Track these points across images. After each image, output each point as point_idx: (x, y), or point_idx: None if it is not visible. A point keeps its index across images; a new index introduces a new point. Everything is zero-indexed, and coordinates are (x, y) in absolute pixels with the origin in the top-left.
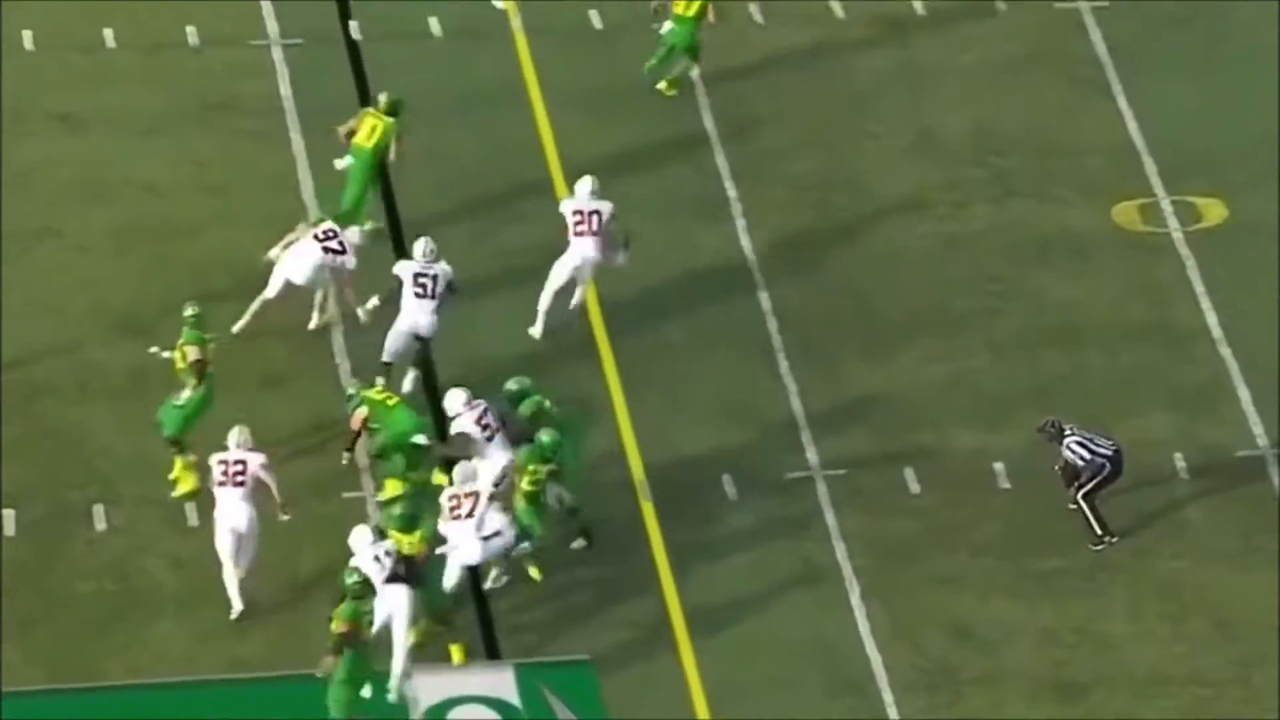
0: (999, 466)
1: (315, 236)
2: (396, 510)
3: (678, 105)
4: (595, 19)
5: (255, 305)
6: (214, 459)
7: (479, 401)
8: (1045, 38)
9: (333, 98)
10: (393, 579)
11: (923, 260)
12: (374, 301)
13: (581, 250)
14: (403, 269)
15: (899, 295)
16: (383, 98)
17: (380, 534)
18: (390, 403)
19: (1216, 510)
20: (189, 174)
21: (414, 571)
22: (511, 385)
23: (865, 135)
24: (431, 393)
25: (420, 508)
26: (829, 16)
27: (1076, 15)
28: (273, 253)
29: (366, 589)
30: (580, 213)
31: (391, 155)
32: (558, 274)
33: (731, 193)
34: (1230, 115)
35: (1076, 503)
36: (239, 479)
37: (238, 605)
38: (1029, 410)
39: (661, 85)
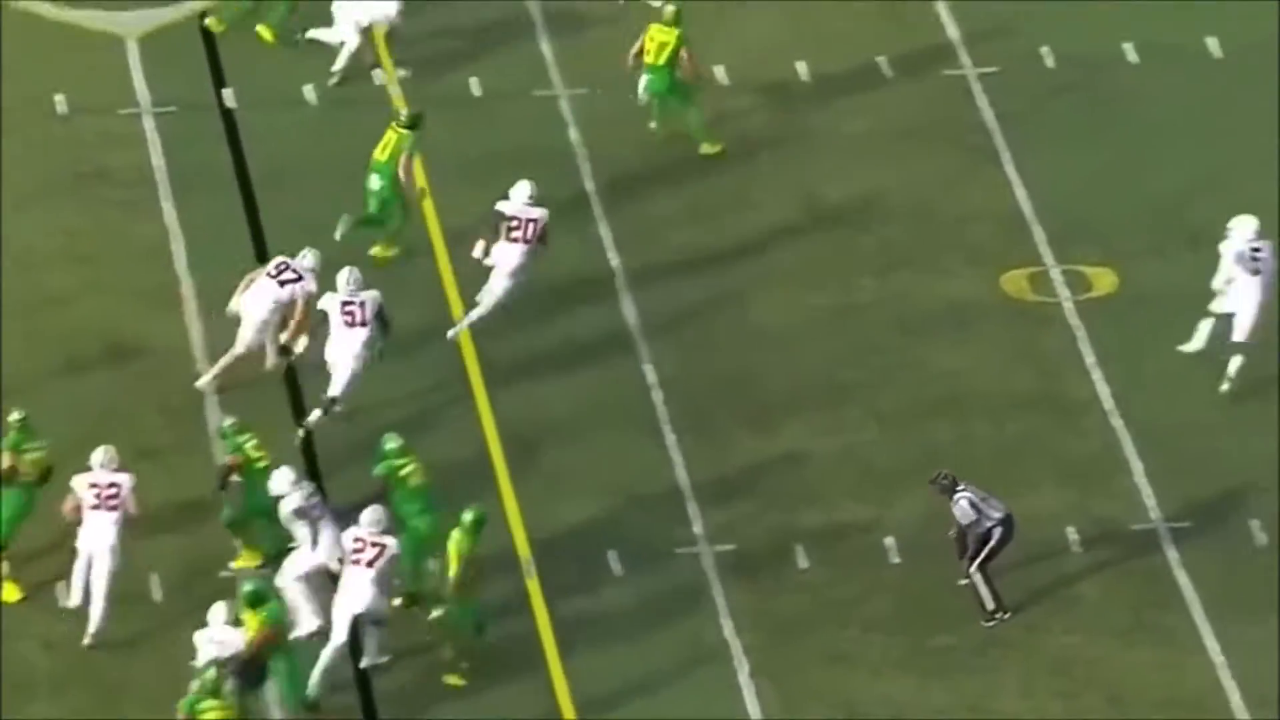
0: (889, 541)
1: (268, 274)
2: (247, 585)
3: (560, 173)
4: (474, 86)
5: (225, 361)
6: (82, 482)
7: (306, 483)
8: (932, 105)
9: (205, 167)
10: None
11: (809, 331)
12: (302, 343)
13: (509, 254)
14: (328, 301)
15: (785, 367)
16: (403, 112)
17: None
18: (260, 464)
19: (1109, 585)
20: (59, 244)
21: (246, 667)
22: (390, 444)
23: (750, 204)
24: (310, 458)
25: (269, 587)
26: (712, 83)
27: (963, 83)
28: (233, 305)
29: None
30: (518, 219)
31: (400, 169)
32: (496, 282)
33: (615, 262)
34: (1120, 183)
35: (970, 576)
36: (112, 502)
37: (91, 635)
38: (918, 483)
39: (704, 149)
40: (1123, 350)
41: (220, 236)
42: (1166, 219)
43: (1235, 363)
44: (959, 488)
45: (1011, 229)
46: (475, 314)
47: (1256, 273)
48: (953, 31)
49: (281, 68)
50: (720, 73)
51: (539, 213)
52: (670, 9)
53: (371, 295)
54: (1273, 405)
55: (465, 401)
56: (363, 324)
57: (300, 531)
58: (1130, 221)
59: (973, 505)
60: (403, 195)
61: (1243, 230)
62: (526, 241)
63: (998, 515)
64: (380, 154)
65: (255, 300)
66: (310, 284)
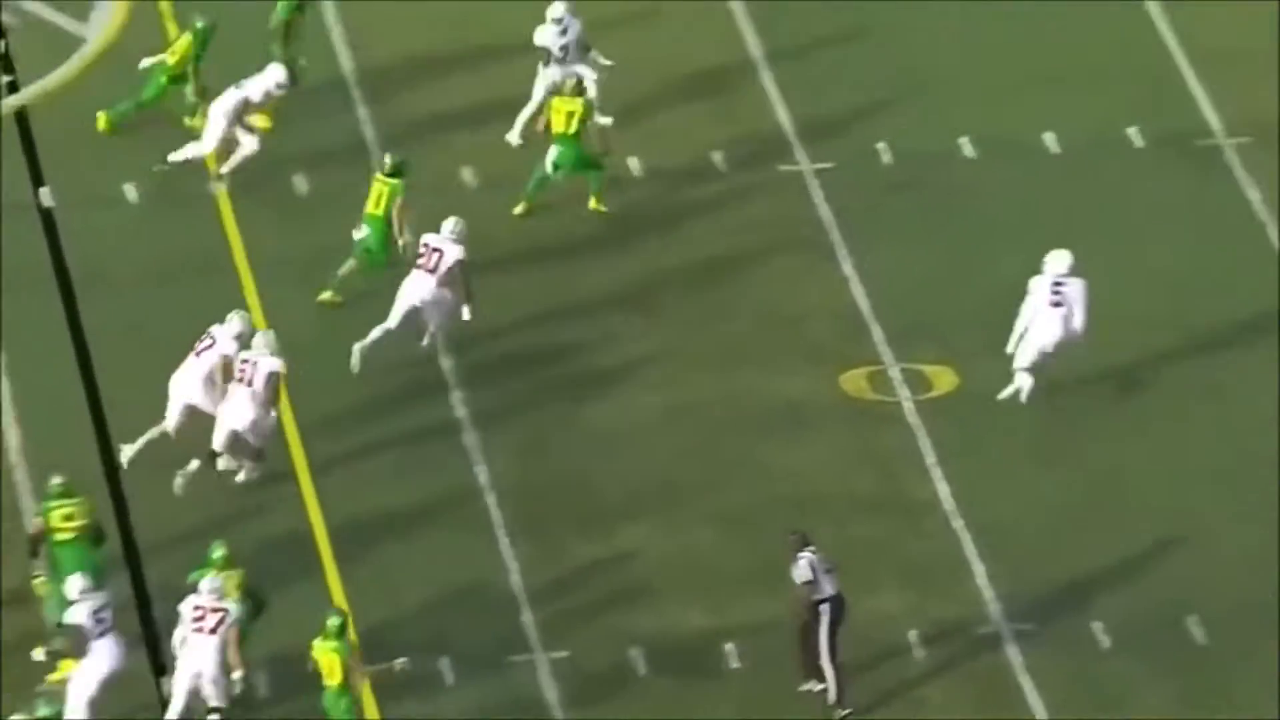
0: (728, 646)
1: (193, 354)
2: (40, 707)
3: (388, 272)
4: (300, 184)
5: (153, 433)
6: None
7: (98, 593)
8: (768, 201)
9: (23, 267)
10: None
11: (645, 431)
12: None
13: (415, 284)
14: (236, 356)
15: (621, 467)
16: (388, 159)
17: None
18: (61, 536)
19: (952, 688)
20: None
21: None
22: (215, 552)
23: (582, 302)
24: (130, 547)
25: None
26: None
27: (799, 179)
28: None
29: None
30: (427, 246)
31: (394, 222)
32: (397, 308)
33: (446, 364)
34: (959, 280)
35: (823, 665)
36: None
37: None
38: (758, 586)
39: (596, 204)
40: (963, 450)
41: (39, 338)
42: (1006, 316)
43: (1018, 382)
44: (807, 548)
45: (850, 327)
46: (376, 334)
47: (1057, 305)
48: (788, 127)
49: (101, 166)
50: (549, 166)
51: (450, 248)
52: (570, 82)
53: (269, 363)
54: (1113, 506)
55: (293, 499)
56: (249, 384)
57: (80, 642)
58: (970, 319)
59: (812, 568)
60: (391, 246)
61: (1055, 264)
62: (430, 271)
63: (830, 591)
64: (373, 207)
65: (186, 385)
66: (225, 346)
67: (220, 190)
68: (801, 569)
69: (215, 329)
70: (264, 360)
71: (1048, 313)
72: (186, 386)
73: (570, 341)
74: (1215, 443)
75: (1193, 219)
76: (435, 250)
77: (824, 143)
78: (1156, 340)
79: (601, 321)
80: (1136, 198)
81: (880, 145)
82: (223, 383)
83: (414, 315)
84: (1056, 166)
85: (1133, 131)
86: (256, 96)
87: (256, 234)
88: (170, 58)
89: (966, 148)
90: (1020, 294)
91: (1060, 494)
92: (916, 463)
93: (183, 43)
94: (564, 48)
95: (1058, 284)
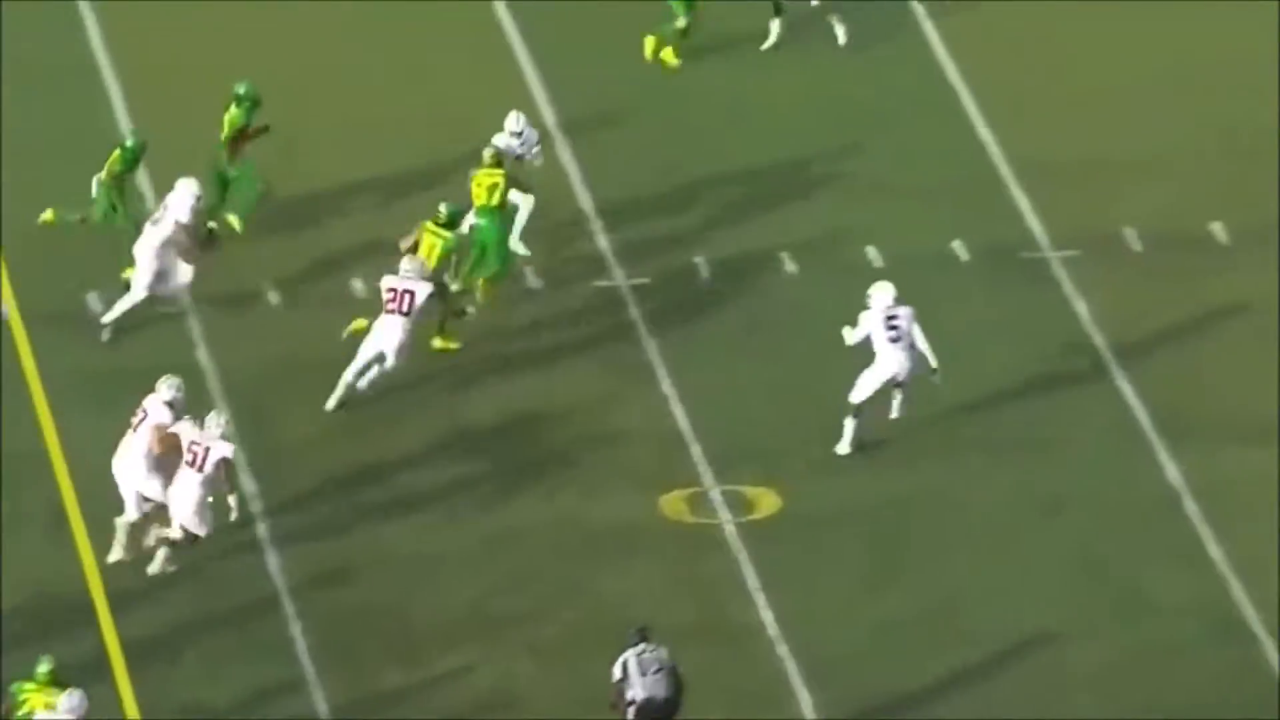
0: None
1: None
2: None
3: (189, 393)
4: (93, 302)
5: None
6: None
7: None
8: (584, 318)
9: None
10: None
11: (461, 560)
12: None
13: (388, 329)
14: (183, 431)
15: (436, 597)
16: (443, 208)
17: None
18: None
19: None
20: None
21: None
22: (41, 667)
23: (395, 426)
24: None
25: None
26: (349, 296)
27: (616, 294)
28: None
29: None
30: (394, 290)
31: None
32: (364, 353)
33: (252, 488)
34: (779, 398)
35: None
36: None
37: None
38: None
39: (439, 345)
40: (788, 575)
41: None
42: (829, 435)
43: (897, 404)
44: (637, 646)
45: (670, 448)
46: (364, 381)
47: (896, 340)
48: (603, 242)
49: None
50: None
51: (419, 285)
52: (488, 152)
53: (222, 447)
54: (944, 628)
55: (89, 625)
56: (200, 469)
57: None
58: (792, 440)
59: (624, 667)
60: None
61: (880, 298)
62: (404, 314)
63: (640, 694)
64: (427, 258)
65: (123, 465)
66: (158, 415)
67: (12, 311)
68: (615, 667)
69: (147, 400)
70: (216, 445)
71: (889, 349)
72: (130, 471)
73: (383, 462)
74: (1047, 560)
75: (1020, 333)
76: (406, 292)
77: (640, 258)
78: (984, 457)
79: (411, 445)
80: (962, 312)
81: (698, 259)
82: (158, 453)
83: (383, 354)
84: (879, 280)
85: (958, 244)
86: (185, 216)
87: (52, 355)
88: (104, 175)
89: (788, 262)
90: (844, 412)
91: (888, 616)
92: (739, 587)
93: (112, 159)
94: (518, 158)
95: (891, 317)
